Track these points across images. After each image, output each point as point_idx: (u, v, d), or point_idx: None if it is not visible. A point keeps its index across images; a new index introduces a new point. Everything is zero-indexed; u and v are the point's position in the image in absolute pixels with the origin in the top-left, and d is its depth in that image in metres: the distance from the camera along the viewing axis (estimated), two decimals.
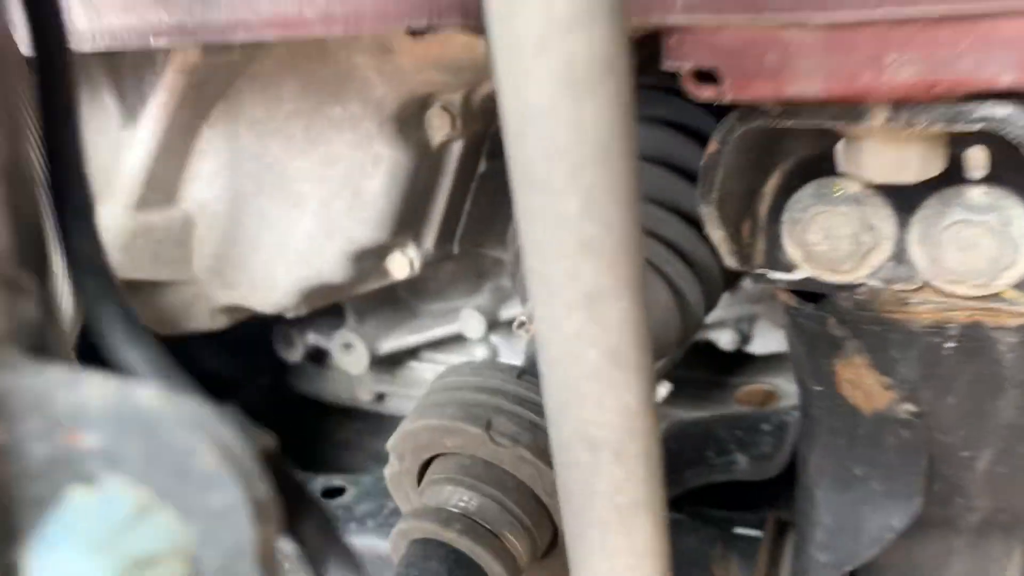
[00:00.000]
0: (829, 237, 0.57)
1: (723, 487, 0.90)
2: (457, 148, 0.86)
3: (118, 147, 0.81)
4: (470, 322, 1.08)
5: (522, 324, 0.77)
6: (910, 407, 0.69)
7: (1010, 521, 0.79)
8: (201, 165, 0.83)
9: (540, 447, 0.60)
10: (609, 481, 0.28)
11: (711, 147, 0.51)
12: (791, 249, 0.59)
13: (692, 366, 1.30)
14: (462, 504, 0.60)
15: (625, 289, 0.26)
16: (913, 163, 0.46)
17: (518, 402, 0.62)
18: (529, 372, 0.66)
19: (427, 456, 0.65)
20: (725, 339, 1.13)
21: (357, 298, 1.09)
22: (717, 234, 0.57)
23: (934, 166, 0.47)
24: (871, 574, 0.88)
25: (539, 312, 0.27)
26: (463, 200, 0.92)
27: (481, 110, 0.84)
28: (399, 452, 0.66)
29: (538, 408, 0.62)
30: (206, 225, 0.86)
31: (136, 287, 0.91)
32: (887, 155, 0.46)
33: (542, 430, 0.61)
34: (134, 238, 0.83)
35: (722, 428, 0.89)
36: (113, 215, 0.82)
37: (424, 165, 0.85)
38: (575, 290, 0.25)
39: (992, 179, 0.53)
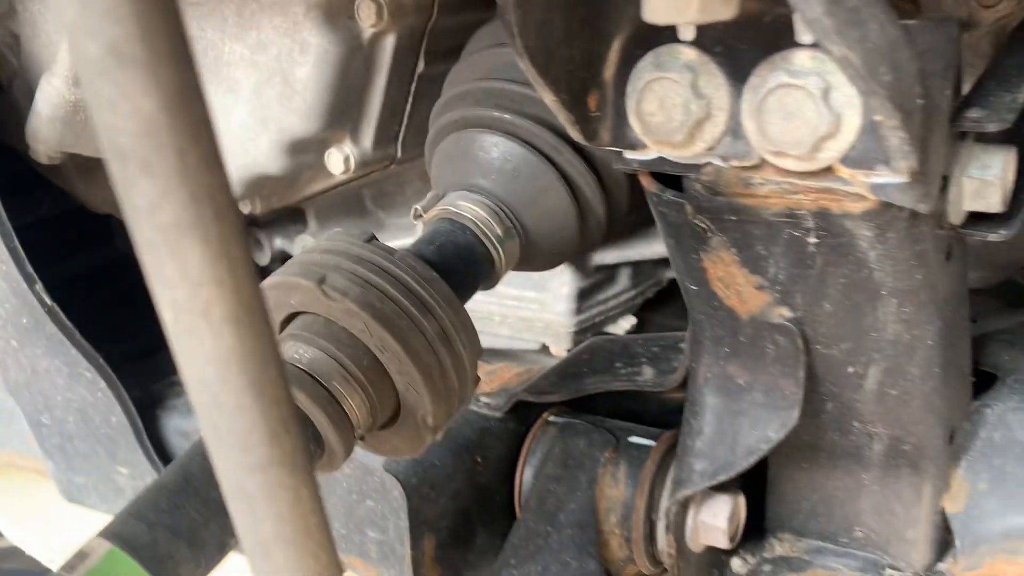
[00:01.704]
0: (664, 106, 0.55)
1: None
2: (389, 43, 0.86)
3: None
4: None
5: (419, 215, 0.77)
6: (785, 312, 0.67)
7: (915, 453, 0.76)
8: None
9: (372, 303, 0.60)
10: (144, 198, 0.29)
11: None
12: (633, 121, 0.58)
13: (666, 310, 1.29)
14: (295, 357, 0.61)
15: None
16: (695, 1, 0.45)
17: (358, 262, 0.62)
18: (415, 248, 0.67)
19: (281, 317, 0.66)
20: None
21: (320, 203, 1.11)
22: (548, 98, 0.56)
23: (721, 6, 0.45)
24: (783, 507, 0.85)
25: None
26: (403, 100, 0.93)
27: (413, 4, 0.85)
28: None
29: (378, 270, 0.63)
30: None
31: (86, 165, 0.95)
32: None
33: (378, 289, 0.61)
34: (75, 111, 0.87)
35: (640, 344, 0.88)
36: (55, 88, 0.86)
37: (356, 57, 0.86)
38: None
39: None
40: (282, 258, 1.23)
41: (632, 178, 0.79)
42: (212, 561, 0.55)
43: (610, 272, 1.16)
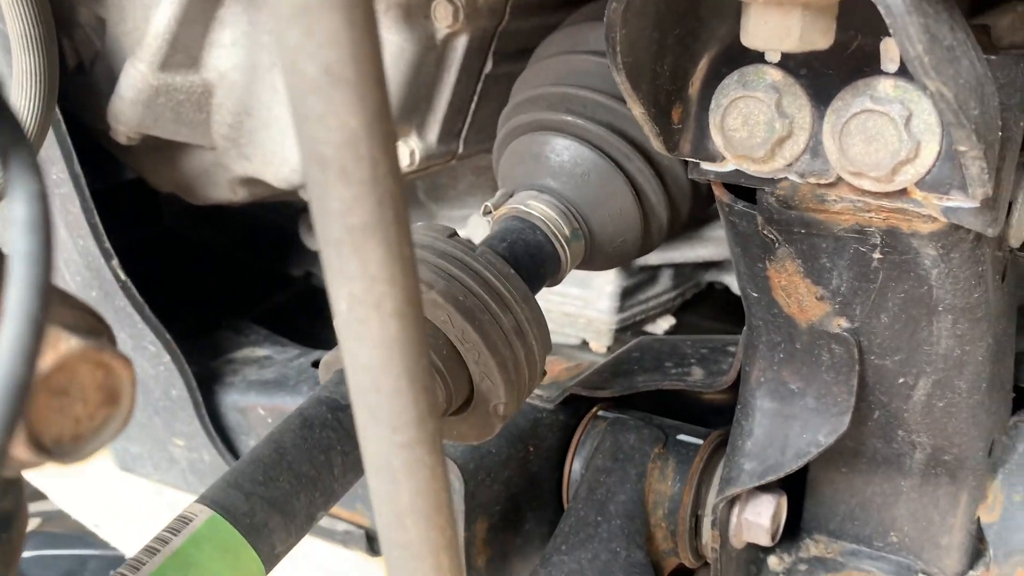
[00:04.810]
0: (747, 123, 0.58)
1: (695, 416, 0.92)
2: (462, 43, 0.89)
3: (149, 8, 0.88)
4: (477, 229, 1.12)
5: (489, 211, 0.80)
6: (843, 322, 0.70)
7: (954, 464, 0.79)
8: (222, 33, 0.89)
9: (454, 296, 0.63)
10: (339, 201, 0.32)
11: (611, 5, 0.53)
12: (715, 135, 0.61)
13: (703, 311, 1.32)
14: None
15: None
16: (795, 30, 0.48)
17: (442, 256, 0.65)
18: (488, 244, 0.70)
19: None
20: None
21: None
22: (636, 110, 0.59)
23: (819, 37, 0.48)
24: (821, 509, 0.88)
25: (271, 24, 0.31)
26: (469, 99, 0.96)
27: (487, 7, 0.88)
28: None
29: (462, 265, 0.66)
30: (224, 93, 0.92)
31: (160, 145, 0.98)
32: (771, 20, 0.48)
33: (461, 283, 0.65)
34: (156, 96, 0.90)
35: (688, 345, 0.91)
36: (140, 72, 0.89)
37: (428, 56, 0.89)
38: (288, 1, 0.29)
39: (907, 74, 0.54)
40: None
41: (694, 187, 0.82)
42: (301, 531, 0.59)
43: (652, 273, 1.19)
